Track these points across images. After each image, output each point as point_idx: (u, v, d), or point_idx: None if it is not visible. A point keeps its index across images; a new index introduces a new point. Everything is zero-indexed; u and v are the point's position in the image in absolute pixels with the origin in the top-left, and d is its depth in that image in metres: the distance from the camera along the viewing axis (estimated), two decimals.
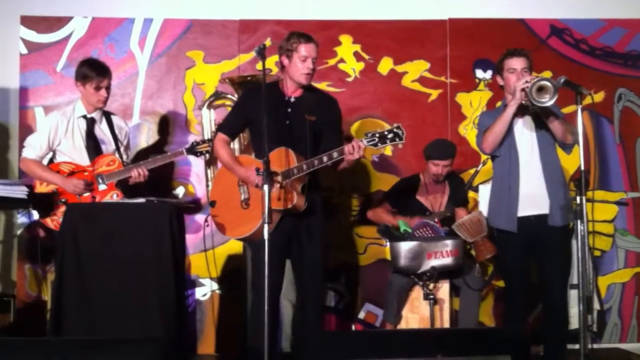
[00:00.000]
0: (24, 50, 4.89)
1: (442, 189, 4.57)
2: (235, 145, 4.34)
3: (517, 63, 3.86)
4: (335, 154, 3.55)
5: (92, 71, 4.12)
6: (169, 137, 4.94)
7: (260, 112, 3.42)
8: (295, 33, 3.74)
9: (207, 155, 4.34)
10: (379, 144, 3.52)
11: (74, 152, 4.16)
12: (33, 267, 4.73)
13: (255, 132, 3.73)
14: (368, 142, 3.52)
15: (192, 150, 4.26)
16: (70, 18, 4.93)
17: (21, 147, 4.69)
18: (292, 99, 3.75)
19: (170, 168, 4.86)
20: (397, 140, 3.52)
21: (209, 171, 4.58)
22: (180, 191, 4.72)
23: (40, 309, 4.53)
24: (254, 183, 3.64)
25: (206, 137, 4.43)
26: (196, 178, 4.89)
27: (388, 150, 4.97)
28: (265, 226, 3.27)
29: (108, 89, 4.18)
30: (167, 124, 4.95)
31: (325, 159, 3.57)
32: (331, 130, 3.75)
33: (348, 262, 4.91)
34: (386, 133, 3.52)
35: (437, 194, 4.56)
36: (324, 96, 3.86)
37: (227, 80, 4.59)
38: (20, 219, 4.75)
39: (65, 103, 4.77)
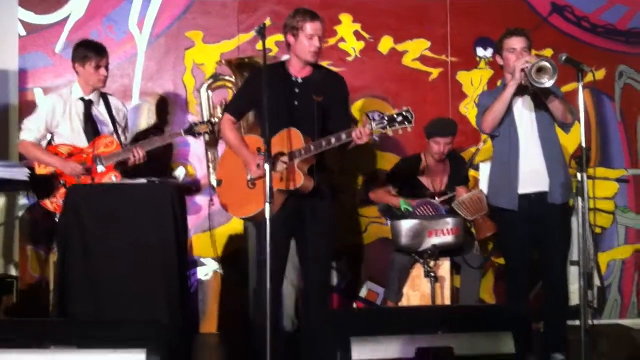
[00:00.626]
0: (23, 32, 4.87)
1: (443, 168, 4.57)
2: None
3: (517, 43, 3.85)
4: (343, 136, 3.53)
5: (91, 51, 4.11)
6: (169, 118, 4.94)
7: (269, 93, 3.40)
8: (301, 10, 3.69)
9: (207, 136, 4.33)
10: (388, 127, 3.48)
11: (72, 135, 4.14)
12: (35, 249, 4.75)
13: (262, 113, 3.71)
14: (377, 124, 3.49)
15: (191, 131, 4.24)
16: None
17: (21, 129, 4.70)
18: (300, 80, 3.73)
19: (169, 149, 4.85)
20: (407, 123, 3.47)
21: (209, 153, 4.58)
22: (181, 172, 4.72)
23: (43, 290, 4.54)
24: (254, 172, 3.63)
25: (205, 119, 4.42)
26: (196, 159, 4.89)
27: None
28: (267, 205, 3.27)
29: (107, 67, 4.17)
30: (167, 105, 4.95)
31: (333, 140, 3.54)
32: (339, 110, 3.73)
33: (349, 241, 4.92)
34: (395, 116, 3.48)
35: (438, 173, 4.56)
36: (332, 75, 3.84)
37: (224, 62, 4.57)
38: (22, 200, 4.76)
39: (64, 84, 4.73)
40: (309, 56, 3.67)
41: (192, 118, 4.82)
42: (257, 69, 4.04)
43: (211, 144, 4.55)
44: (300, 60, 3.70)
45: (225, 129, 3.79)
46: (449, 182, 4.55)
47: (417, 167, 4.58)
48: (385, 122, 3.48)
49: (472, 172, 4.77)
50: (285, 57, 3.86)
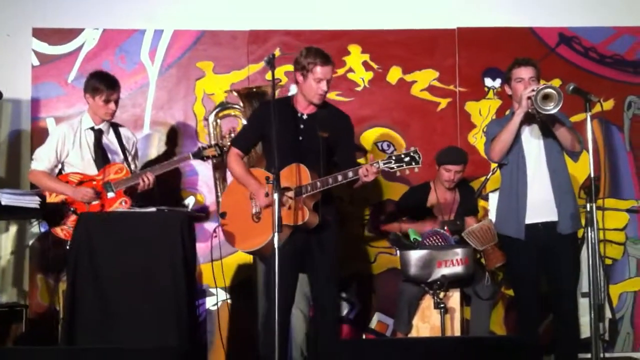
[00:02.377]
0: (36, 62, 4.93)
1: (452, 197, 4.57)
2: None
3: (524, 72, 3.87)
4: (350, 174, 3.56)
5: (102, 84, 4.15)
6: (179, 147, 4.96)
7: (275, 128, 3.43)
8: (313, 50, 3.72)
9: (214, 159, 4.35)
10: (395, 167, 3.52)
11: (82, 164, 4.18)
12: (45, 277, 4.75)
13: (268, 146, 3.73)
14: (384, 164, 3.53)
15: (199, 154, 4.26)
16: (82, 30, 4.97)
17: (33, 158, 4.74)
18: (305, 116, 3.76)
19: (178, 178, 4.88)
20: (414, 164, 3.52)
21: (217, 181, 4.58)
22: (190, 201, 4.73)
23: (52, 319, 4.53)
24: (261, 200, 3.64)
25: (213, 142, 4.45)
26: (205, 187, 4.90)
27: None
28: (276, 234, 3.28)
29: (117, 102, 4.21)
30: (177, 135, 4.98)
31: (340, 177, 3.58)
32: (344, 147, 3.77)
33: (359, 271, 4.90)
34: (403, 156, 3.53)
35: (447, 202, 4.56)
36: (337, 112, 3.86)
37: (233, 91, 4.61)
38: (33, 228, 4.78)
39: (76, 114, 4.77)
40: (315, 98, 3.71)
41: (203, 143, 4.85)
42: (264, 102, 4.08)
43: (219, 168, 4.55)
44: (306, 99, 3.73)
45: (232, 162, 3.82)
46: (458, 212, 4.54)
47: (426, 196, 4.58)
48: (393, 162, 3.52)
49: (481, 202, 4.76)
50: (292, 91, 3.90)
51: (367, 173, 3.52)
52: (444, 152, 4.52)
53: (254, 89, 4.52)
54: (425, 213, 4.54)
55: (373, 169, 3.52)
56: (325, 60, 3.67)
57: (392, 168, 3.53)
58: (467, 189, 4.62)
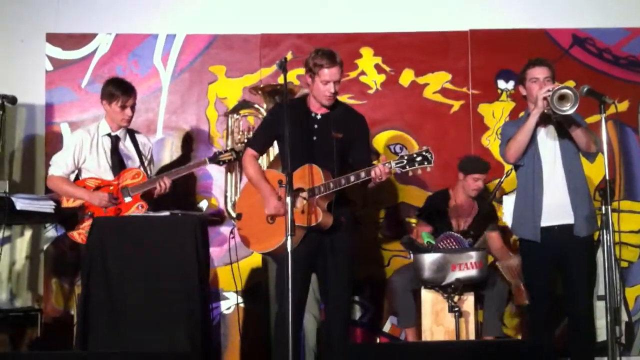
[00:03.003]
0: (50, 67, 4.96)
1: (470, 208, 4.55)
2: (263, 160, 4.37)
3: (539, 72, 3.85)
4: (362, 174, 3.55)
5: (118, 90, 4.17)
6: (192, 152, 4.98)
7: (290, 127, 3.43)
8: (320, 52, 3.69)
9: (230, 163, 4.36)
10: (407, 167, 3.50)
11: (99, 169, 4.21)
12: (60, 282, 4.78)
13: (283, 147, 3.74)
14: (396, 164, 3.51)
15: (215, 159, 4.28)
16: (95, 35, 5.00)
17: (47, 162, 4.75)
18: (319, 116, 3.75)
19: (192, 182, 4.89)
20: (426, 163, 3.49)
21: (229, 176, 4.58)
22: (204, 205, 4.75)
23: (67, 324, 4.55)
24: (270, 208, 3.63)
25: (229, 146, 4.46)
26: (219, 191, 4.90)
27: None
28: (289, 238, 3.28)
29: (133, 108, 4.24)
30: (190, 139, 5.00)
31: (352, 178, 3.56)
32: (359, 147, 3.75)
33: (372, 274, 4.89)
34: (415, 156, 3.50)
35: (464, 212, 4.55)
36: (351, 112, 3.84)
37: (258, 90, 4.61)
38: (48, 233, 4.80)
39: (90, 119, 4.83)
40: (323, 100, 3.70)
41: (218, 149, 4.87)
42: (277, 104, 4.08)
43: (232, 171, 4.57)
44: (316, 100, 3.73)
45: (247, 163, 3.82)
46: (474, 223, 4.52)
47: (445, 203, 4.56)
48: (405, 162, 3.50)
49: (495, 204, 4.73)
50: (306, 91, 3.90)
51: (379, 173, 3.51)
52: (469, 161, 4.51)
53: (278, 87, 4.51)
54: (443, 223, 4.50)
55: (385, 169, 3.50)
56: (331, 62, 3.64)
57: (405, 168, 3.50)
58: (485, 202, 4.59)
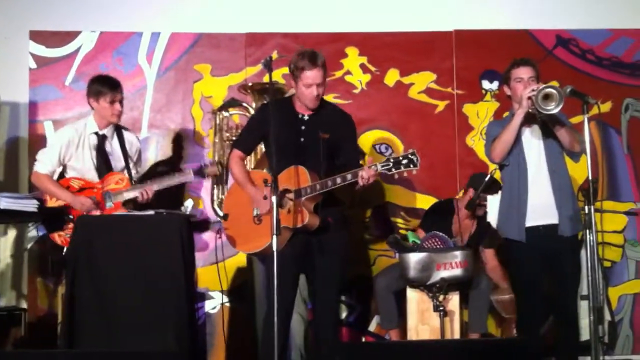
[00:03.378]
0: (33, 65, 4.92)
1: (471, 224, 4.56)
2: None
3: (524, 72, 3.88)
4: (349, 176, 3.54)
5: (105, 86, 4.14)
6: (177, 150, 4.96)
7: (277, 128, 3.43)
8: (302, 54, 3.65)
9: (216, 177, 4.35)
10: (393, 169, 3.51)
11: (84, 168, 4.17)
12: (44, 281, 4.75)
13: (270, 147, 3.73)
14: (382, 166, 3.51)
15: (200, 172, 4.21)
16: (79, 33, 4.97)
17: (31, 161, 4.71)
18: (305, 117, 3.74)
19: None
20: (412, 166, 3.49)
21: (215, 191, 4.58)
22: (189, 204, 4.73)
23: (51, 323, 4.53)
24: (262, 206, 3.64)
25: (216, 143, 4.45)
26: (206, 192, 4.89)
27: None
28: (274, 238, 3.28)
29: (122, 102, 4.20)
30: (175, 137, 4.97)
31: (339, 180, 3.55)
32: (347, 147, 3.74)
33: (358, 274, 4.90)
34: (401, 159, 3.51)
35: (465, 227, 4.56)
36: (338, 112, 3.83)
37: (247, 89, 4.60)
38: (31, 232, 4.77)
39: (74, 117, 4.80)
40: (308, 103, 3.68)
41: (200, 150, 4.86)
42: (263, 104, 4.07)
43: (218, 181, 4.55)
44: (301, 103, 3.73)
45: (233, 164, 3.81)
46: (471, 239, 4.52)
47: (451, 213, 4.56)
48: (391, 165, 3.51)
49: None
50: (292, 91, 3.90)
51: (366, 177, 3.51)
52: (481, 178, 4.40)
53: (267, 85, 4.48)
54: (446, 232, 4.49)
55: (371, 171, 3.51)
56: (312, 64, 3.59)
57: (390, 170, 3.51)
58: (485, 221, 4.60)
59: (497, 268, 4.57)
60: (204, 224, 4.85)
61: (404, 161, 3.50)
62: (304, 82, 3.62)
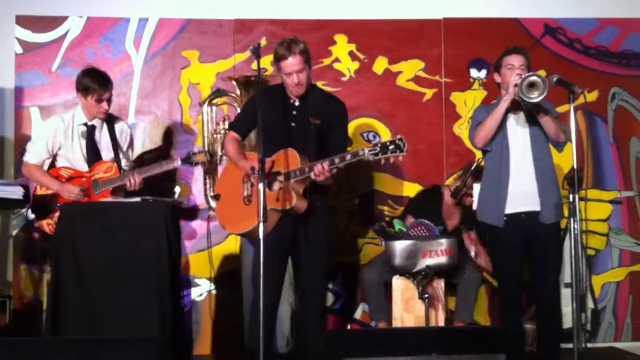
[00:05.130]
0: (19, 50, 4.88)
1: (457, 211, 4.56)
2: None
3: (515, 60, 3.88)
4: (336, 160, 3.53)
5: (94, 83, 4.09)
6: (164, 137, 4.94)
7: (268, 114, 3.43)
8: (280, 43, 3.65)
9: (205, 164, 4.34)
10: (380, 154, 3.49)
11: (73, 158, 4.16)
12: (29, 268, 4.73)
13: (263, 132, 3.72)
14: (369, 151, 3.50)
15: (188, 160, 4.20)
16: (66, 18, 4.92)
17: (17, 147, 4.70)
18: (297, 102, 3.75)
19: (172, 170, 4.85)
20: (398, 152, 3.48)
21: (207, 181, 4.57)
22: (176, 190, 4.74)
23: (36, 310, 4.53)
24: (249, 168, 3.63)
25: (206, 137, 4.44)
26: (195, 181, 4.87)
27: None
28: (261, 224, 3.29)
29: (109, 101, 4.17)
30: (162, 124, 4.96)
31: (326, 164, 3.54)
32: (335, 132, 3.75)
33: (344, 262, 4.92)
34: (388, 144, 3.50)
35: (452, 214, 4.56)
36: (330, 98, 3.85)
37: (232, 79, 4.59)
38: (16, 219, 4.75)
39: (60, 103, 4.78)
40: (291, 90, 3.70)
41: (187, 137, 4.85)
42: (259, 89, 4.06)
43: (210, 171, 4.55)
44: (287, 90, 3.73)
45: (227, 144, 3.84)
46: (461, 226, 4.55)
47: (438, 200, 4.56)
48: (378, 149, 3.50)
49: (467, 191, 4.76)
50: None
51: (318, 172, 3.50)
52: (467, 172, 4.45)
53: (253, 78, 4.49)
54: (435, 219, 4.50)
55: (326, 168, 3.49)
56: (288, 52, 3.59)
57: (377, 155, 3.49)
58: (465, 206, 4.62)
59: (481, 252, 4.59)
60: (192, 212, 4.85)
61: (391, 147, 3.49)
62: (284, 70, 3.65)
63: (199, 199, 4.82)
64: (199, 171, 4.77)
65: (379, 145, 3.51)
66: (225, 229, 3.89)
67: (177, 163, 4.19)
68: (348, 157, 3.54)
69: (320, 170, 3.51)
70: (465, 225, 4.54)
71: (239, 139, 3.86)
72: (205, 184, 4.57)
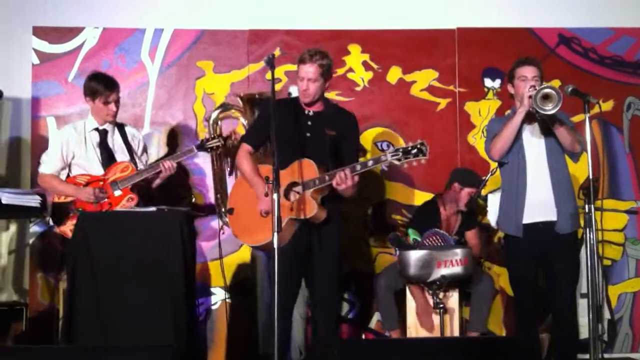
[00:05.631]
0: (36, 61, 4.94)
1: (455, 217, 4.58)
2: None
3: (528, 71, 3.88)
4: (358, 167, 3.57)
5: (100, 85, 4.14)
6: (180, 148, 4.97)
7: (282, 125, 3.46)
8: (310, 49, 3.75)
9: (218, 150, 4.36)
10: (403, 159, 3.52)
11: (89, 164, 4.19)
12: (45, 276, 4.76)
13: (276, 143, 3.74)
14: (392, 155, 3.53)
15: (203, 146, 4.26)
16: (82, 29, 4.97)
17: (34, 157, 4.74)
18: (311, 113, 3.79)
19: (185, 176, 4.87)
20: (421, 155, 3.52)
21: (217, 167, 4.60)
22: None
23: (52, 318, 4.55)
24: (262, 206, 3.64)
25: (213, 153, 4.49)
26: (207, 186, 4.90)
27: None
28: (275, 235, 3.29)
29: (117, 102, 4.20)
30: (177, 134, 4.98)
31: (347, 171, 3.56)
32: (349, 144, 3.78)
33: (359, 271, 4.91)
34: (410, 148, 3.53)
35: (453, 222, 4.57)
36: (342, 111, 3.89)
37: (237, 96, 4.63)
38: (33, 227, 4.78)
39: (76, 113, 4.81)
40: (300, 96, 3.75)
41: (205, 134, 4.87)
42: (270, 100, 4.09)
43: (220, 162, 4.58)
44: None
45: (241, 158, 3.84)
46: (460, 229, 4.56)
47: (436, 213, 4.56)
48: (400, 154, 3.52)
49: (480, 202, 4.76)
50: (292, 92, 3.92)
51: (341, 181, 3.52)
52: (465, 173, 4.50)
53: (257, 95, 4.53)
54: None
55: (348, 175, 3.51)
56: (307, 59, 3.68)
57: (400, 160, 3.52)
58: (470, 215, 4.61)
59: (477, 247, 4.57)
60: (209, 209, 4.84)
61: (413, 151, 3.52)
62: (299, 74, 3.72)
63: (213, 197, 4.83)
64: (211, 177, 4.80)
65: (401, 149, 3.53)
66: (240, 240, 3.88)
67: (194, 151, 4.28)
68: (370, 162, 3.58)
69: (343, 178, 3.52)
70: (464, 228, 4.55)
71: (252, 151, 3.87)
72: (216, 189, 4.60)
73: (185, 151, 4.32)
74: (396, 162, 3.53)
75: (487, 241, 4.83)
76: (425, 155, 3.51)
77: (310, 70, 3.67)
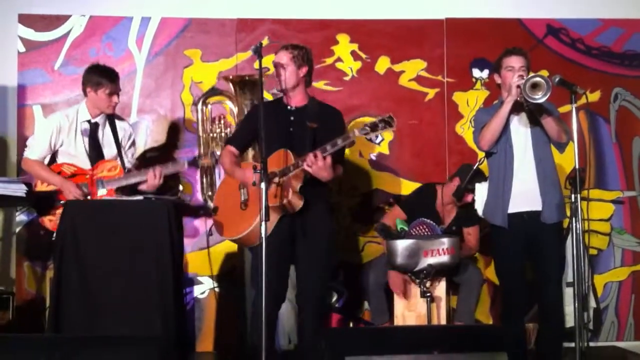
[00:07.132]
0: (22, 49, 4.89)
1: (452, 210, 4.59)
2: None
3: (515, 61, 3.88)
4: (328, 147, 3.58)
5: (104, 77, 4.12)
6: (167, 136, 4.95)
7: (267, 124, 3.45)
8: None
9: (211, 168, 4.38)
10: (371, 133, 3.61)
11: (76, 155, 4.17)
12: (32, 265, 4.74)
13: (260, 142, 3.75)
14: (360, 131, 3.60)
15: (195, 163, 4.30)
16: (68, 16, 4.93)
17: (19, 145, 4.71)
18: (294, 108, 3.81)
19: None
20: (388, 127, 3.62)
21: (204, 179, 4.59)
22: (180, 188, 4.76)
23: (39, 307, 4.54)
24: (251, 181, 3.65)
25: (202, 137, 4.48)
26: (196, 179, 4.89)
27: (385, 148, 5.00)
28: (263, 224, 3.29)
29: (119, 95, 4.20)
30: (164, 123, 4.96)
31: (319, 152, 3.59)
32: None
33: (347, 260, 4.92)
34: (377, 122, 3.62)
35: (447, 213, 4.58)
36: (327, 107, 3.90)
37: (226, 79, 4.61)
38: (20, 216, 4.76)
39: (63, 101, 4.78)
40: (275, 84, 3.81)
41: (190, 135, 4.86)
42: (255, 105, 4.13)
43: (208, 173, 4.59)
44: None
45: (222, 156, 3.90)
46: (455, 221, 4.56)
47: (433, 198, 4.57)
48: (368, 129, 3.61)
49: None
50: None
51: (311, 162, 3.55)
52: (469, 170, 4.40)
53: (247, 77, 4.52)
54: (431, 217, 4.50)
55: (318, 156, 3.53)
56: (278, 50, 3.79)
57: (367, 134, 3.61)
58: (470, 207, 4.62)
59: (475, 243, 4.59)
60: (193, 209, 4.86)
61: (381, 124, 3.60)
62: (273, 65, 3.81)
63: (200, 196, 4.83)
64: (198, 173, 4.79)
65: (369, 124, 3.60)
66: (222, 235, 3.88)
67: (184, 166, 4.29)
68: (339, 141, 3.61)
69: (313, 159, 3.53)
70: (462, 223, 4.55)
71: (236, 153, 3.89)
72: (202, 182, 4.60)
73: (175, 165, 4.28)
74: (364, 136, 3.62)
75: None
76: (392, 127, 3.60)
77: (280, 55, 3.76)
